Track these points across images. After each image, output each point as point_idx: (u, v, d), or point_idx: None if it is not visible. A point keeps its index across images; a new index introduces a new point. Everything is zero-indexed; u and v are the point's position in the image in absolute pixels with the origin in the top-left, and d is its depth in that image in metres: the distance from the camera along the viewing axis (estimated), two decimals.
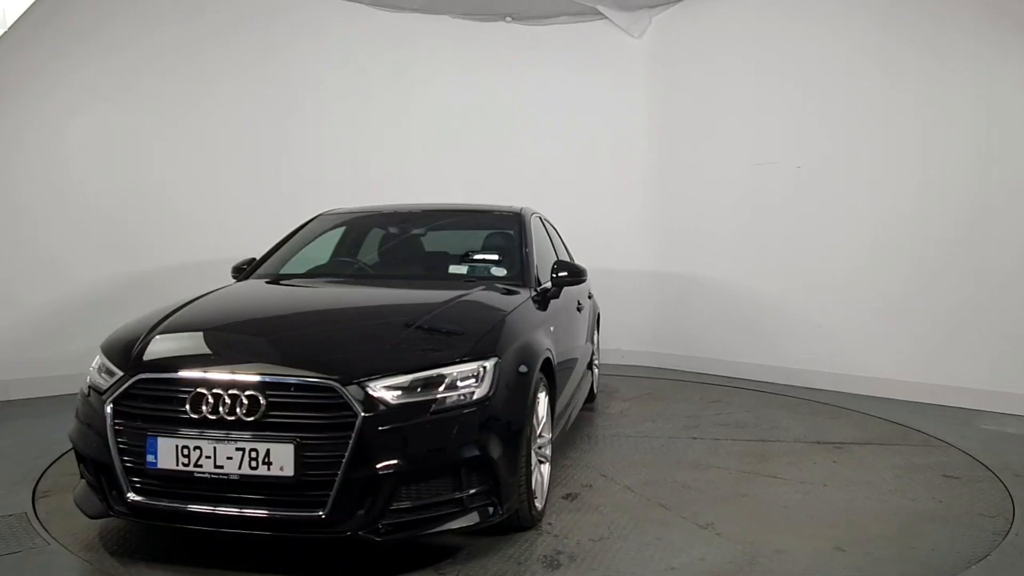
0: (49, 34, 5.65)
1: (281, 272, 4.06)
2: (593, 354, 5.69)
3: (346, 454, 2.52)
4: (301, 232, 4.41)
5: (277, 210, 6.10)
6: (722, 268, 6.96)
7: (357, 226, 4.47)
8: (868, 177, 6.07)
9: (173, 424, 2.62)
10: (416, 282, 3.83)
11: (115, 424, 2.69)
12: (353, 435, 2.53)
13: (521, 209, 4.50)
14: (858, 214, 6.14)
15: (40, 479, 3.71)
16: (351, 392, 2.58)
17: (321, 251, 4.28)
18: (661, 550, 2.99)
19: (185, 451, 2.58)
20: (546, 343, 3.42)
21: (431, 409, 2.66)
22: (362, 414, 2.55)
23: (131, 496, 2.65)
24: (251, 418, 2.57)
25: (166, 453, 2.60)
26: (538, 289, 3.84)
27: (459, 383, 2.74)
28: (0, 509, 3.32)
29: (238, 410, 2.57)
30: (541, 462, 3.41)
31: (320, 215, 4.59)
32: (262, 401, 2.58)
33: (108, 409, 2.71)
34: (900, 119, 5.88)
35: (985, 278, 5.55)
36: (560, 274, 3.98)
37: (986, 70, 5.49)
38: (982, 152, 5.54)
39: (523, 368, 3.04)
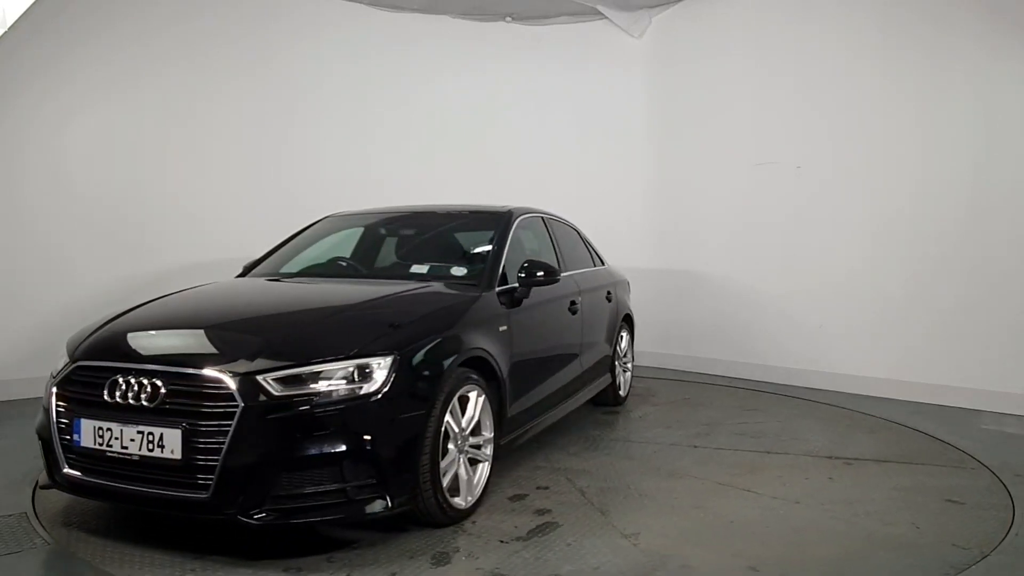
0: (49, 34, 5.63)
1: (276, 271, 4.31)
2: (617, 356, 5.57)
3: (227, 441, 2.68)
4: (305, 233, 4.66)
5: (278, 209, 6.25)
6: (722, 268, 6.92)
7: (352, 227, 4.66)
8: (868, 177, 6.03)
9: (94, 407, 2.90)
10: (377, 281, 3.93)
11: (57, 405, 3.01)
12: (234, 423, 2.68)
13: (510, 210, 4.49)
14: (858, 214, 6.10)
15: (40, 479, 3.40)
16: (236, 383, 2.73)
17: (317, 251, 4.49)
18: (562, 556, 2.93)
19: (100, 431, 2.85)
20: (480, 342, 3.42)
21: (313, 402, 2.77)
22: (242, 404, 2.70)
23: (66, 470, 2.96)
24: (151, 404, 2.79)
25: (87, 433, 2.88)
26: (499, 288, 3.84)
27: (346, 378, 2.83)
28: (0, 509, 3.34)
29: (142, 396, 2.81)
30: (479, 460, 3.43)
31: (327, 217, 4.82)
32: (162, 389, 2.80)
33: (52, 391, 3.04)
34: (900, 119, 5.84)
35: (985, 277, 5.48)
36: (527, 274, 3.94)
37: (985, 70, 5.44)
38: (981, 152, 5.48)
39: (433, 366, 3.07)
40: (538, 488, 3.76)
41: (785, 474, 4.01)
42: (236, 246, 5.28)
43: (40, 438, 3.10)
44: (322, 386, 2.80)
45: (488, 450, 3.49)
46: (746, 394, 6.18)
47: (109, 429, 2.83)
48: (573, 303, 4.64)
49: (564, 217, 5.54)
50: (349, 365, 2.86)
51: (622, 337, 5.74)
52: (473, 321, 3.48)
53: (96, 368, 2.98)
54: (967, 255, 5.57)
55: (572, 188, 7.23)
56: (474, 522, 3.27)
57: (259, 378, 2.76)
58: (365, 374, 2.86)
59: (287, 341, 2.97)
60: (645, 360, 7.28)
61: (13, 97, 5.55)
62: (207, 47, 6.33)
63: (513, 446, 3.83)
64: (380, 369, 2.89)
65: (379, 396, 2.85)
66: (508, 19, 6.99)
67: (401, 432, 2.91)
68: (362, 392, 2.83)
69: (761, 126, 6.65)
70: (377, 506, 2.85)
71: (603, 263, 5.84)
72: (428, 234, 4.54)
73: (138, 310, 3.46)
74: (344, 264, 4.36)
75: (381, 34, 6.99)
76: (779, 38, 6.52)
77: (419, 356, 3.04)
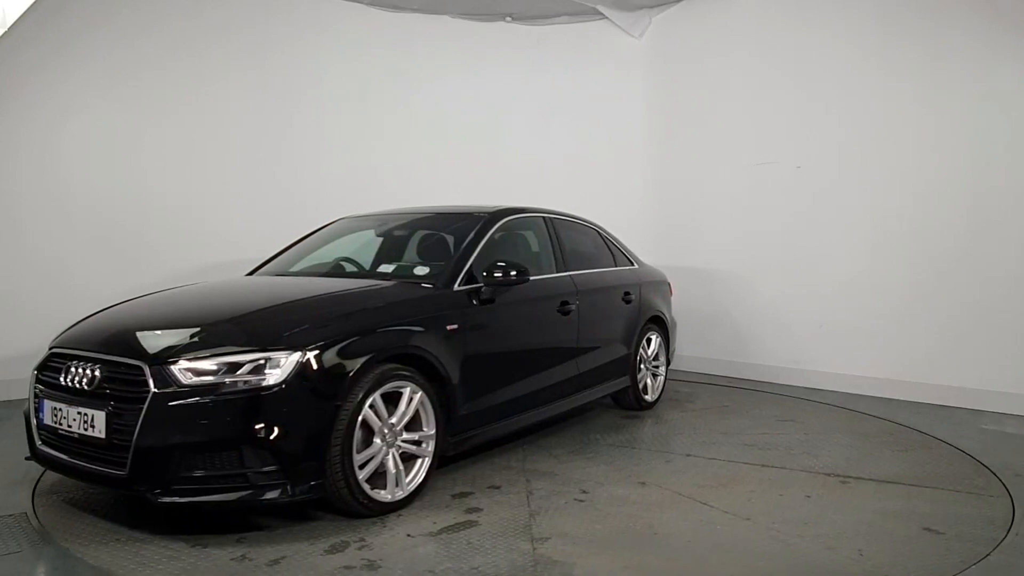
0: (48, 36, 5.60)
1: (275, 270, 4.58)
2: (642, 359, 5.42)
3: (138, 424, 2.94)
4: (314, 235, 4.92)
5: (279, 210, 6.40)
6: (721, 267, 6.90)
7: (352, 228, 4.86)
8: (868, 177, 6.01)
9: (54, 390, 3.27)
10: (345, 279, 4.09)
11: (35, 388, 3.42)
12: (144, 408, 2.94)
13: (496, 211, 4.50)
14: (858, 214, 6.08)
15: (40, 479, 3.73)
16: (151, 371, 2.98)
17: (315, 251, 4.70)
18: (452, 553, 2.94)
19: (56, 411, 3.21)
20: (416, 339, 3.49)
21: (217, 391, 2.96)
22: (153, 390, 2.95)
23: (38, 444, 3.36)
24: (89, 388, 3.11)
25: (48, 412, 3.26)
26: (460, 288, 3.88)
27: (252, 370, 3.00)
28: (0, 509, 3.35)
29: (84, 381, 3.14)
30: (416, 457, 3.49)
31: (341, 219, 5.06)
32: (99, 375, 3.11)
33: (32, 375, 3.46)
34: (901, 119, 5.81)
35: (985, 278, 5.45)
36: (495, 274, 3.95)
37: (987, 70, 5.40)
38: (982, 152, 5.45)
39: (347, 361, 3.17)
40: (489, 487, 3.76)
41: (761, 489, 3.75)
42: (236, 248, 5.46)
43: (24, 417, 3.52)
44: (227, 377, 2.99)
45: (429, 446, 3.54)
46: (792, 403, 5.79)
47: (60, 409, 3.19)
48: (565, 303, 4.57)
49: (585, 217, 5.47)
50: (256, 358, 3.03)
51: (650, 339, 5.56)
52: (411, 319, 3.55)
53: (62, 355, 3.36)
54: (968, 255, 5.50)
55: (572, 187, 7.13)
56: (400, 515, 3.34)
57: (172, 367, 2.99)
58: (271, 367, 3.02)
59: (210, 335, 3.20)
60: (698, 366, 7.06)
61: (12, 98, 5.54)
62: (206, 48, 6.32)
63: (467, 445, 3.85)
64: (286, 362, 3.04)
65: (283, 388, 3.00)
66: (508, 19, 6.96)
67: (305, 424, 3.04)
68: (265, 384, 2.99)
69: (761, 126, 6.63)
70: (278, 493, 2.99)
71: (633, 263, 5.69)
72: (415, 235, 4.64)
73: (114, 307, 3.83)
74: (328, 264, 4.54)
75: (381, 34, 6.99)
76: (779, 38, 6.51)
77: (331, 351, 3.15)
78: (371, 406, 3.25)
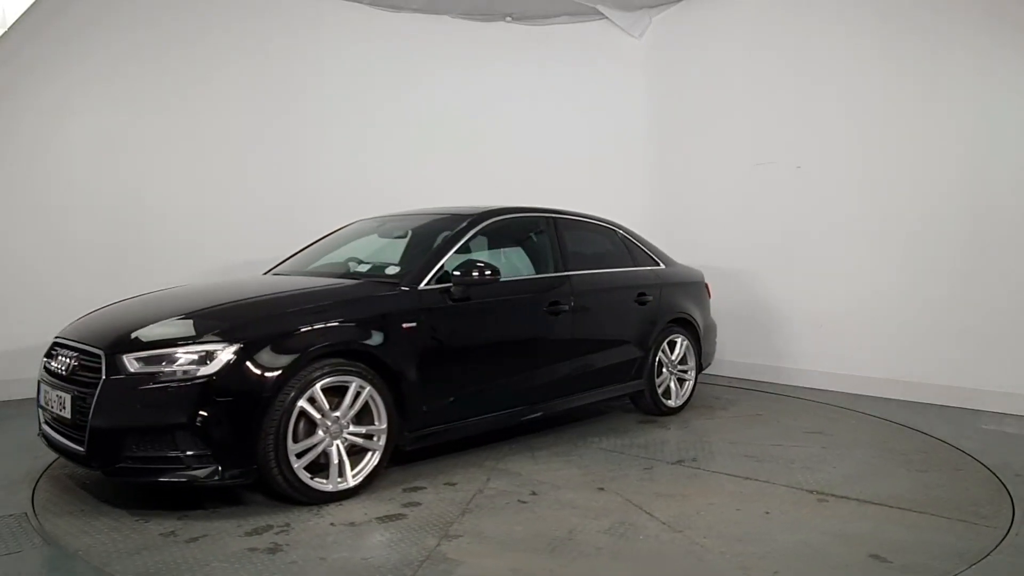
0: (49, 35, 5.64)
1: (281, 271, 4.86)
2: (664, 362, 5.25)
3: (92, 406, 3.25)
4: (329, 236, 5.16)
5: (278, 212, 6.43)
6: (721, 267, 6.72)
7: (364, 231, 5.02)
8: (868, 176, 5.99)
9: (47, 373, 3.68)
10: (325, 278, 4.26)
11: (41, 372, 3.86)
12: (96, 393, 3.25)
13: (483, 211, 4.53)
14: (858, 213, 6.05)
15: (40, 479, 3.78)
16: (107, 359, 3.29)
17: (316, 251, 4.92)
18: (359, 544, 3.03)
19: (45, 394, 3.62)
20: (364, 336, 3.60)
21: (156, 379, 3.22)
22: (104, 377, 3.25)
23: (41, 423, 3.79)
24: (66, 373, 3.48)
25: (42, 394, 3.68)
26: (428, 287, 3.95)
27: (192, 361, 3.23)
28: (0, 509, 3.37)
29: (62, 367, 3.52)
30: (369, 451, 3.61)
31: (357, 221, 5.26)
32: (73, 362, 3.47)
33: (42, 361, 3.90)
34: (900, 119, 5.77)
35: (985, 277, 5.41)
36: (470, 274, 3.99)
37: (987, 68, 5.34)
38: (982, 151, 5.40)
39: (283, 355, 3.33)
40: (445, 483, 3.80)
41: (721, 503, 3.54)
42: (236, 249, 5.71)
43: (36, 400, 3.98)
44: (167, 367, 3.24)
45: (380, 440, 3.64)
46: (832, 414, 5.39)
47: (47, 392, 3.60)
48: (556, 303, 4.51)
49: (604, 217, 5.37)
50: (195, 350, 3.27)
51: (674, 342, 5.36)
52: (360, 316, 3.66)
53: (56, 344, 3.77)
54: (967, 254, 5.49)
55: (572, 187, 6.91)
56: (341, 504, 3.46)
57: (123, 356, 3.29)
58: (208, 358, 3.24)
59: (166, 328, 3.46)
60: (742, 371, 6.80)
61: (12, 99, 5.57)
62: (204, 48, 6.30)
63: (429, 441, 3.91)
64: (222, 354, 3.25)
65: (216, 378, 3.21)
66: (508, 19, 6.92)
67: (237, 413, 3.23)
68: (200, 374, 3.22)
69: (761, 126, 6.64)
70: (209, 476, 3.21)
71: (659, 263, 5.51)
72: (410, 236, 4.74)
73: (116, 304, 4.21)
74: (335, 264, 4.73)
75: (381, 34, 6.95)
76: (779, 38, 6.50)
77: (268, 345, 3.33)
78: (311, 398, 3.40)
